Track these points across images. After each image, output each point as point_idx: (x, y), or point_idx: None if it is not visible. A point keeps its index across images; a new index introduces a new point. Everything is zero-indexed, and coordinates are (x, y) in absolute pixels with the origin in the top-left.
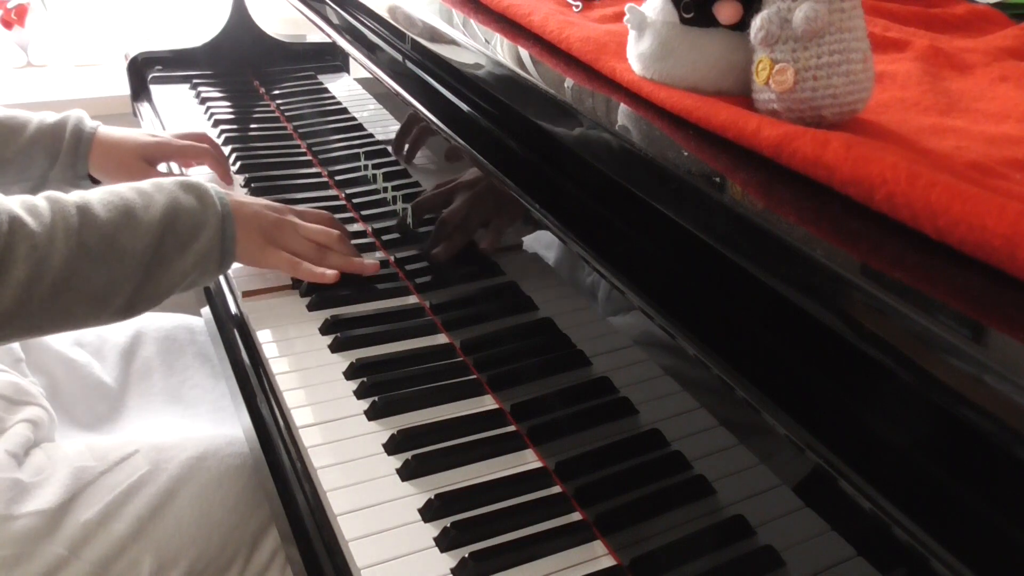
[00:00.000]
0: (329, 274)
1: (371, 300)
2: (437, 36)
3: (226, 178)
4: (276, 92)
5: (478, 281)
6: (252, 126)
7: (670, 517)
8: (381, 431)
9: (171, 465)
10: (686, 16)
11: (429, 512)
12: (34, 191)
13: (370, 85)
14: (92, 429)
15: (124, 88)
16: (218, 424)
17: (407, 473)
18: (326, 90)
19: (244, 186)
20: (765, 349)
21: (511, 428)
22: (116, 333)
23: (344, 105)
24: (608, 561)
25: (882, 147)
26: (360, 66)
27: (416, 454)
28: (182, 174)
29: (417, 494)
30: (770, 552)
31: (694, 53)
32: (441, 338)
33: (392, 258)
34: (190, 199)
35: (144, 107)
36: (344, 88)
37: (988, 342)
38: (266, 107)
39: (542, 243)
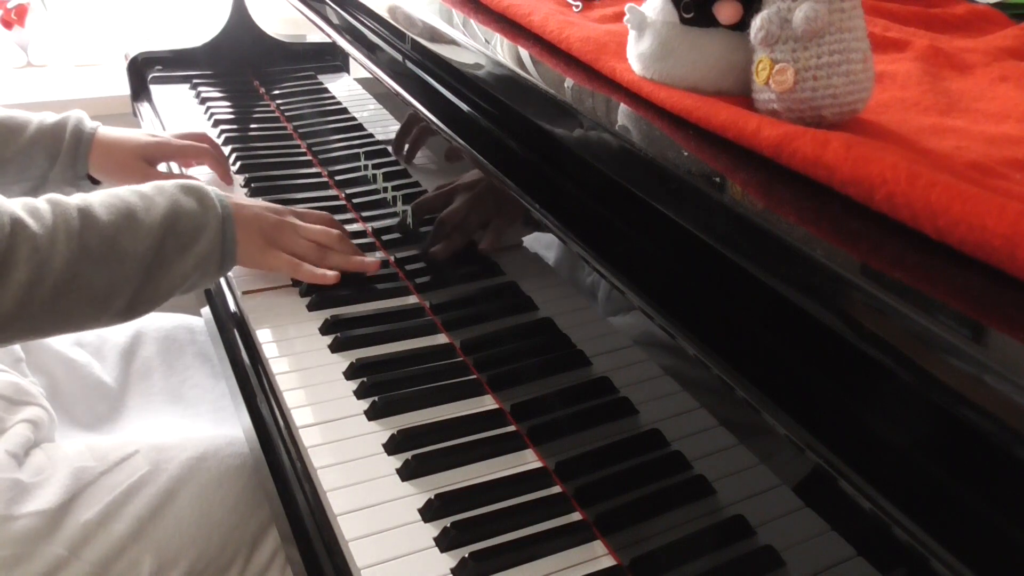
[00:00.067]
0: (330, 275)
1: (371, 300)
2: (437, 36)
3: (226, 178)
4: (276, 92)
5: (478, 281)
6: (252, 126)
7: (670, 517)
8: (381, 431)
9: (171, 465)
10: (686, 16)
11: (429, 512)
12: (34, 191)
13: (370, 85)
14: (92, 429)
15: (124, 88)
16: (218, 424)
17: (407, 473)
18: (326, 90)
19: (244, 186)
20: (765, 349)
21: (511, 428)
22: (116, 333)
23: (344, 105)
24: (608, 561)
25: (882, 147)
26: (360, 66)
27: (416, 454)
28: (182, 174)
29: (417, 494)
30: (770, 552)
31: (694, 53)
32: (441, 338)
33: (392, 258)
34: (191, 202)
35: (144, 107)
36: (344, 88)
37: (988, 342)
38: (266, 107)
39: (542, 243)
